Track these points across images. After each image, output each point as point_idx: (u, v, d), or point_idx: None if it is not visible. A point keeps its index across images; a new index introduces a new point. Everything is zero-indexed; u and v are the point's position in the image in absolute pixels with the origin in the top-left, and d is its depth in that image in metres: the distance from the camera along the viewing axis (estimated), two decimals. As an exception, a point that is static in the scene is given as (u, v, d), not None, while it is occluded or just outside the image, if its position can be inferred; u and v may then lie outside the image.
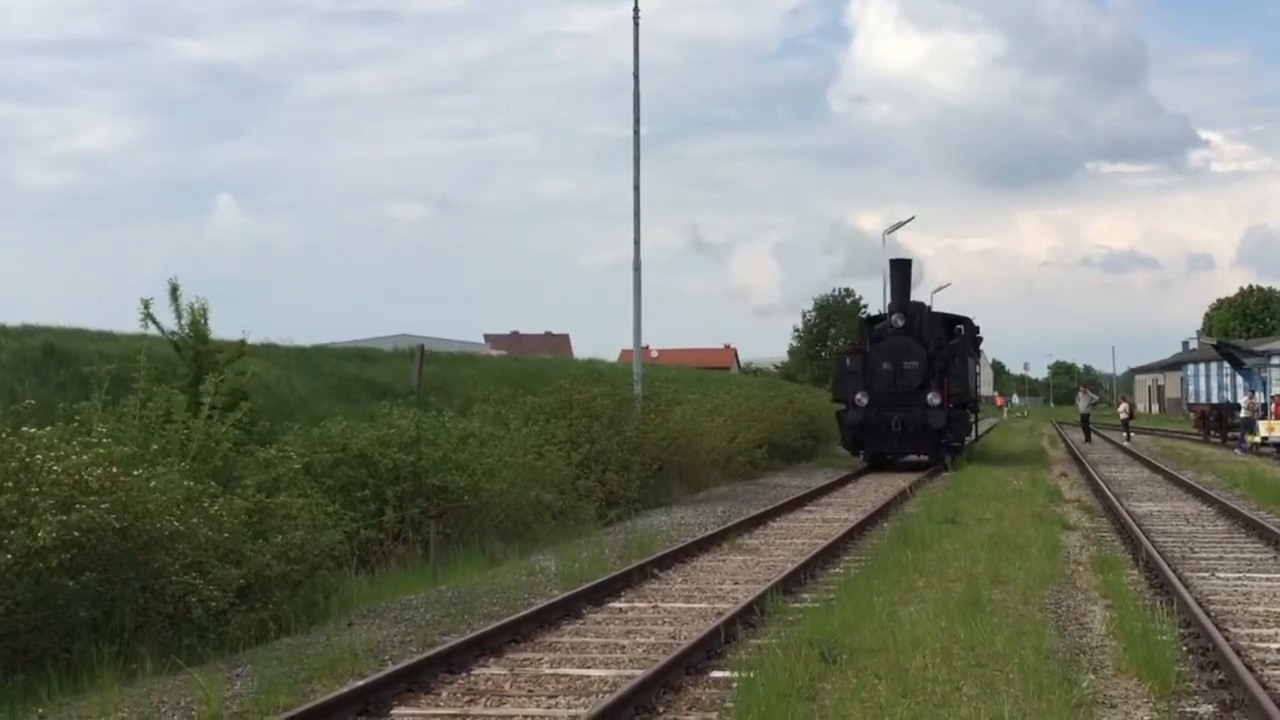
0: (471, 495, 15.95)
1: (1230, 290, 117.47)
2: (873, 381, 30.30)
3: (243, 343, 17.19)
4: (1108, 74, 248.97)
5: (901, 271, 32.65)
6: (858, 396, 30.11)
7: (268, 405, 18.84)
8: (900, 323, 30.99)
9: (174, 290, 15.46)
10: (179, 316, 15.50)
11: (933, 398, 29.64)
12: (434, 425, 16.86)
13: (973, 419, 36.70)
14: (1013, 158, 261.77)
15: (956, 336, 33.21)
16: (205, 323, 15.50)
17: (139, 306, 14.90)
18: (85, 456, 9.88)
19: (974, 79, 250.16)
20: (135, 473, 10.24)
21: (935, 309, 35.90)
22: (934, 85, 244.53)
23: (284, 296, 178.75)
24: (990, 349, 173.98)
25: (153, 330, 15.27)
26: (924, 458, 30.67)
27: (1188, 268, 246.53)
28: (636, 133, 26.97)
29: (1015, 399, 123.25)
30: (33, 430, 9.93)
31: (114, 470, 9.90)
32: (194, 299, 15.79)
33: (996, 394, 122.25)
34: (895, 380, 30.11)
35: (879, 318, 33.38)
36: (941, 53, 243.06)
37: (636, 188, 26.83)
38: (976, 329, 36.18)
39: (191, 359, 15.17)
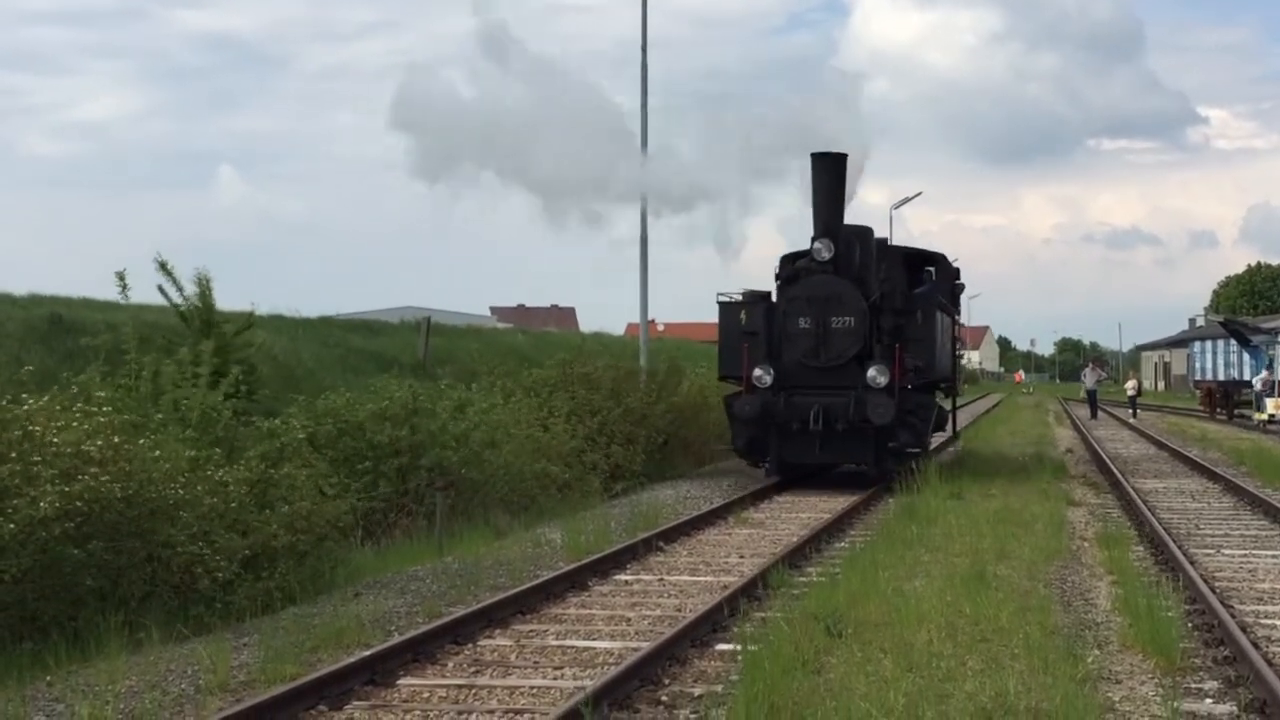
0: (473, 467, 15.95)
1: (1233, 267, 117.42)
2: (782, 348, 19.53)
3: (251, 314, 17.23)
4: (1106, 50, 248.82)
5: (829, 173, 19.52)
6: (757, 373, 19.26)
7: (275, 376, 18.90)
8: (826, 255, 19.35)
9: (163, 265, 15.45)
10: (178, 289, 15.55)
11: (877, 374, 18.89)
12: (430, 394, 16.78)
13: (947, 410, 24.95)
14: (1013, 134, 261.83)
15: (925, 282, 22.54)
16: (210, 293, 15.53)
17: (119, 279, 14.92)
18: (87, 426, 9.90)
19: (972, 55, 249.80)
20: (140, 441, 10.27)
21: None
22: (932, 61, 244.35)
23: (288, 268, 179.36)
24: (996, 325, 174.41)
25: (141, 300, 15.34)
26: (864, 468, 19.83)
27: (1191, 245, 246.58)
28: (644, 106, 26.89)
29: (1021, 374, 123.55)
30: (33, 401, 9.95)
31: (115, 440, 9.92)
32: (198, 270, 15.84)
33: (1017, 372, 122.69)
34: (817, 346, 19.22)
35: (803, 253, 20.33)
36: (939, 28, 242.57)
37: (644, 165, 26.70)
38: (956, 272, 24.82)
39: (199, 330, 15.22)
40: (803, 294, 19.50)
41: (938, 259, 23.79)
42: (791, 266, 20.58)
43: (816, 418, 18.60)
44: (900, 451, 19.62)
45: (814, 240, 19.63)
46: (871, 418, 18.57)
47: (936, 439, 24.56)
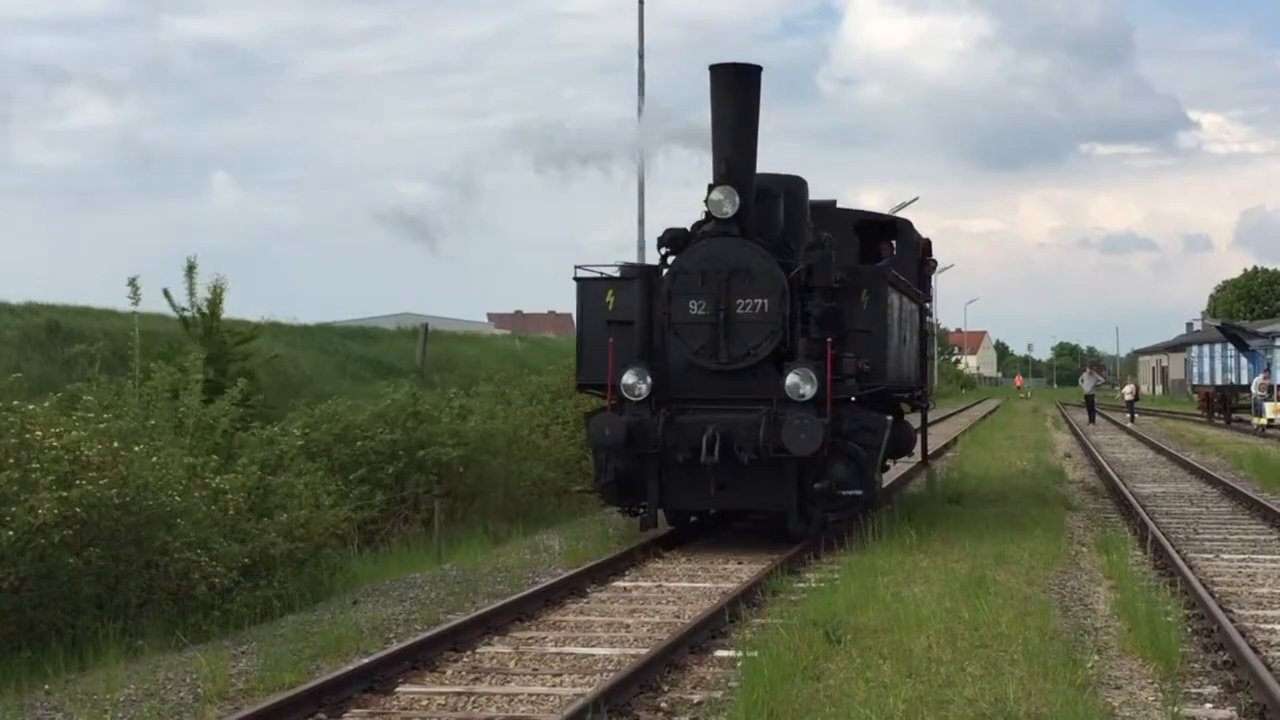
0: (472, 466, 15.93)
1: (1228, 270, 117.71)
2: (666, 344, 13.78)
3: (256, 326, 17.28)
4: (1096, 55, 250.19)
5: (735, 93, 13.70)
6: (629, 379, 13.45)
7: (273, 383, 18.92)
8: (730, 209, 13.41)
9: (191, 268, 15.50)
10: (191, 294, 15.58)
11: (800, 381, 13.09)
12: (436, 400, 16.83)
13: (915, 427, 18.61)
14: (1007, 138, 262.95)
15: (885, 255, 16.76)
16: (220, 301, 15.55)
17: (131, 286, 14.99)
18: (85, 432, 9.90)
19: (963, 60, 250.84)
20: (136, 448, 10.27)
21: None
22: (924, 67, 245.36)
23: (283, 275, 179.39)
24: (993, 330, 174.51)
25: (141, 308, 15.37)
26: (781, 511, 13.54)
27: (1186, 248, 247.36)
28: (641, 111, 26.87)
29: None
30: (31, 406, 9.95)
31: (114, 445, 9.92)
32: (217, 276, 15.87)
33: (1017, 376, 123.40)
34: (716, 342, 13.50)
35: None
36: (930, 34, 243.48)
37: (641, 165, 26.66)
38: (926, 245, 18.44)
39: (199, 337, 15.23)
40: (694, 266, 13.55)
41: (902, 226, 17.87)
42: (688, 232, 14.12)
43: (711, 445, 12.82)
44: (832, 494, 13.20)
45: (712, 189, 13.64)
46: (789, 445, 12.77)
47: (902, 464, 19.86)
